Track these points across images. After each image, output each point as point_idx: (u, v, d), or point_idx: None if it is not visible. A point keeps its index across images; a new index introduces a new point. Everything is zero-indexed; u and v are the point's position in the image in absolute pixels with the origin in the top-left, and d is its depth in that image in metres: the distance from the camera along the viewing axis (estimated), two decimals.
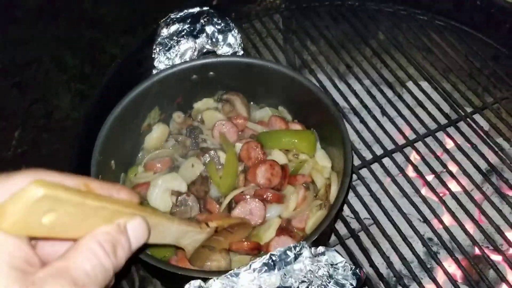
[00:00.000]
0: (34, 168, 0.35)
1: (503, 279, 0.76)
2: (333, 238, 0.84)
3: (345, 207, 0.86)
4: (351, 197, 0.87)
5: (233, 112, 0.81)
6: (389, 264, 0.79)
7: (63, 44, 1.87)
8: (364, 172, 0.89)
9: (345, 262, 0.60)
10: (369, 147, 0.91)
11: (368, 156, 0.90)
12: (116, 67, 0.90)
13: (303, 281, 0.55)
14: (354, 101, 0.98)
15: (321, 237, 0.63)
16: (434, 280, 0.76)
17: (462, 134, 0.91)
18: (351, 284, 0.58)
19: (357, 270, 0.60)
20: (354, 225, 0.86)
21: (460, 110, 0.95)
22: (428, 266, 0.79)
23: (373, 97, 0.98)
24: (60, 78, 1.77)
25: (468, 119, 0.94)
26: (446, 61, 1.00)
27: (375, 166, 0.89)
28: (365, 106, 0.97)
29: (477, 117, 0.94)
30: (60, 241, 0.36)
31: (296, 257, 0.56)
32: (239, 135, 0.80)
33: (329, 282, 0.57)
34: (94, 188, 0.38)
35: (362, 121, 0.94)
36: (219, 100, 0.82)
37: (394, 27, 1.06)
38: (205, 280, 0.55)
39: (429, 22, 1.02)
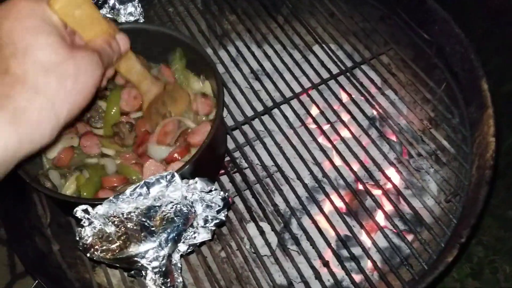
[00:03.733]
0: None
1: (379, 206, 0.87)
2: (243, 184, 0.96)
3: (254, 157, 0.98)
4: (259, 148, 0.99)
5: None
6: (287, 202, 0.90)
7: None
8: (270, 124, 1.00)
9: (215, 189, 0.71)
10: (270, 95, 1.02)
11: (269, 104, 1.02)
12: None
13: (171, 202, 0.66)
14: (267, 64, 1.09)
15: (202, 172, 0.73)
16: (321, 211, 0.87)
17: (355, 86, 1.02)
18: (219, 206, 0.70)
19: (226, 196, 0.71)
20: (262, 173, 0.97)
21: (352, 64, 1.05)
22: (318, 199, 0.90)
23: (282, 59, 1.09)
24: None
25: (361, 71, 1.04)
26: (347, 23, 1.10)
27: (277, 114, 1.00)
28: (276, 69, 1.07)
29: (369, 71, 1.04)
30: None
31: (169, 184, 0.67)
32: None
33: (199, 204, 0.69)
34: None
35: (272, 80, 1.05)
36: None
37: None
38: (92, 206, 0.67)
39: None
